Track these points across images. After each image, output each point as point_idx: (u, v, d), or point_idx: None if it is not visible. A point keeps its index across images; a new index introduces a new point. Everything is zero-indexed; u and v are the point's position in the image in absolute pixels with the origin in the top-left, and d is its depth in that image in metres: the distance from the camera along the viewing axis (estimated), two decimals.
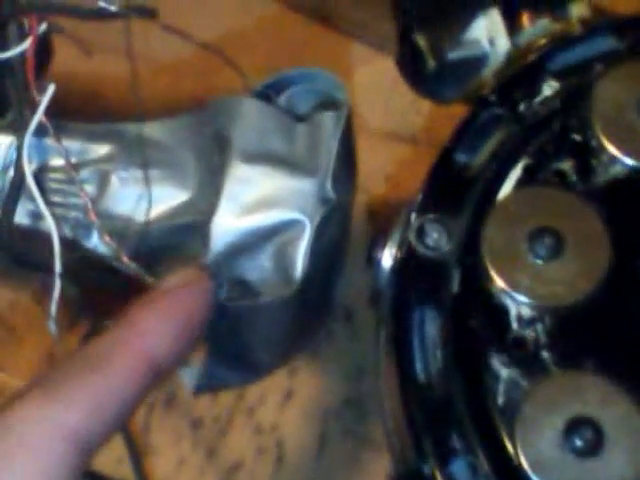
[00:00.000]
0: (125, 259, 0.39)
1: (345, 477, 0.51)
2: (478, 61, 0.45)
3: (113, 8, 0.36)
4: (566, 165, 0.39)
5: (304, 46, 0.60)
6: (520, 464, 0.34)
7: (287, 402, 0.52)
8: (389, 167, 0.57)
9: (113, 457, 0.49)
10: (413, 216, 0.39)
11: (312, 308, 0.41)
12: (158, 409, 0.52)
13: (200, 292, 0.37)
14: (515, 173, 0.39)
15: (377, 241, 0.41)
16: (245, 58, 0.56)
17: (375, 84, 0.58)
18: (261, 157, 0.39)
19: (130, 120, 0.41)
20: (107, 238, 0.40)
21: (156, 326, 0.34)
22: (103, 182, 0.41)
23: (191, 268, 0.38)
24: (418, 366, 0.37)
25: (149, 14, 0.36)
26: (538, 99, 0.41)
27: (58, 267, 0.36)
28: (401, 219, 0.40)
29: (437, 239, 0.39)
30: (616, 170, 0.38)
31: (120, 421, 0.33)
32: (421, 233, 0.39)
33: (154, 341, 0.34)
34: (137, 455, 0.49)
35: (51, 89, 0.37)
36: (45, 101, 0.37)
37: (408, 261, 0.39)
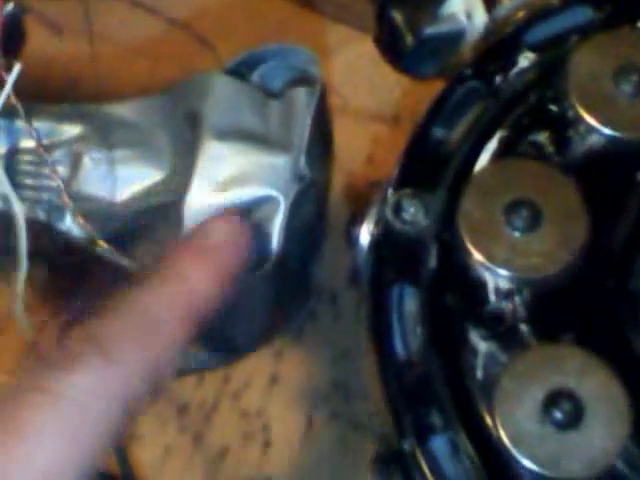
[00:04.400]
0: (100, 241, 0.39)
1: (332, 460, 0.50)
2: (456, 36, 0.45)
3: None
4: (542, 137, 0.39)
5: (285, 28, 0.59)
6: (500, 438, 0.34)
7: (273, 386, 0.51)
8: (372, 147, 0.56)
9: None
10: (390, 192, 0.39)
11: (290, 286, 0.41)
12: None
13: (243, 245, 0.36)
14: (491, 146, 0.39)
15: (355, 218, 0.40)
16: (224, 40, 0.56)
17: (357, 65, 0.58)
18: (234, 134, 0.39)
19: (102, 100, 0.41)
20: (81, 220, 0.39)
21: (205, 283, 0.34)
22: (76, 163, 0.40)
23: (233, 219, 0.37)
24: (398, 343, 0.37)
25: None
26: (514, 71, 0.40)
27: (24, 247, 0.36)
28: (379, 195, 0.40)
29: (414, 214, 0.38)
30: (592, 140, 0.38)
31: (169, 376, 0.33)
32: (398, 209, 0.38)
33: (203, 299, 0.34)
34: (121, 445, 0.49)
35: (17, 68, 0.36)
36: (11, 80, 0.36)
37: (385, 237, 0.38)
